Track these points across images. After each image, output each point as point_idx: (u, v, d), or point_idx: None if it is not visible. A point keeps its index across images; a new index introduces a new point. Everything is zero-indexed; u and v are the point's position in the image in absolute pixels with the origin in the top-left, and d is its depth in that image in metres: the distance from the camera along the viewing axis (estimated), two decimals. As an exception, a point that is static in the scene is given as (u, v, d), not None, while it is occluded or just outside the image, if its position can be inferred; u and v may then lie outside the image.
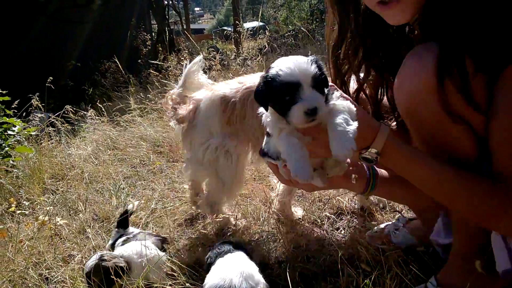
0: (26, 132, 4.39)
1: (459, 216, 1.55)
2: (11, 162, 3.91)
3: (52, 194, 3.44)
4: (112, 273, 1.83)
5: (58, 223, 2.75)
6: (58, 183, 3.74)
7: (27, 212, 2.84)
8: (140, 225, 2.69)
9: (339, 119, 1.28)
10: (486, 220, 1.38)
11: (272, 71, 1.30)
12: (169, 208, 3.01)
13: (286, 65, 1.28)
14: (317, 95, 1.27)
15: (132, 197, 3.21)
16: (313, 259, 2.14)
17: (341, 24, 1.74)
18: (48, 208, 2.78)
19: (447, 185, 1.38)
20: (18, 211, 2.73)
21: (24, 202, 2.95)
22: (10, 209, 2.71)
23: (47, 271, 2.28)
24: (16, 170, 3.83)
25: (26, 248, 2.45)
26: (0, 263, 2.30)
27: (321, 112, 1.27)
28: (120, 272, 1.86)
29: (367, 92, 1.88)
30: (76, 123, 5.09)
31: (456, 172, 1.36)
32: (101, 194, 3.34)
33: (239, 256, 1.76)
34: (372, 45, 1.72)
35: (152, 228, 2.70)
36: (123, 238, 2.23)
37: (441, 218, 1.75)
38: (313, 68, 1.27)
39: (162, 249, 2.20)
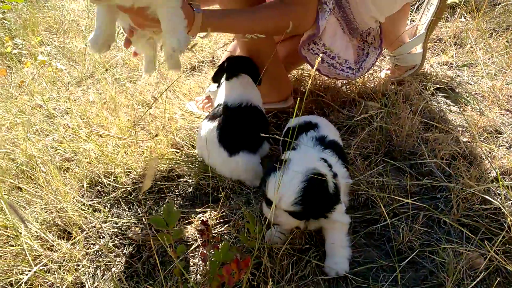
0: (12, -16, 4.03)
1: None
2: None
3: (49, 46, 3.27)
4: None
5: (58, 68, 2.64)
6: (53, 36, 3.54)
7: (24, 52, 2.70)
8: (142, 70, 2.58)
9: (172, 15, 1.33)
10: (294, 29, 1.62)
11: None
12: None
13: None
14: None
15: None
16: (330, 91, 2.08)
17: None
18: (46, 50, 2.63)
19: (260, 21, 1.63)
20: (14, 51, 2.58)
21: (20, 42, 2.78)
22: (6, 50, 2.56)
23: (52, 107, 2.23)
24: (7, 22, 3.59)
25: (28, 89, 2.35)
26: (4, 100, 2.23)
27: None
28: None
29: None
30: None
31: (260, 10, 1.65)
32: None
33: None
34: None
35: (157, 72, 2.59)
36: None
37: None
38: None
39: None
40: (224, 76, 1.79)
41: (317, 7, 1.68)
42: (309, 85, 2.09)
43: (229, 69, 1.80)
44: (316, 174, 1.14)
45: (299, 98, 1.17)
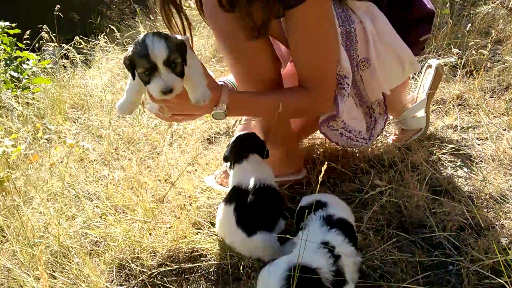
0: (41, 65, 4.37)
1: None
2: (30, 94, 3.94)
3: (75, 123, 3.49)
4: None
5: (85, 147, 2.82)
6: (78, 112, 3.79)
7: (54, 136, 2.91)
8: (164, 145, 2.75)
9: (196, 77, 1.55)
10: (312, 112, 1.96)
11: (136, 47, 1.43)
12: (191, 127, 3.04)
13: (145, 44, 1.40)
14: (171, 76, 1.42)
15: (154, 120, 3.24)
16: (340, 161, 2.19)
17: None
18: (74, 133, 2.84)
19: (283, 104, 1.68)
20: (45, 136, 2.79)
21: (50, 127, 3.00)
22: (38, 135, 2.77)
23: (81, 190, 2.38)
24: (36, 103, 3.87)
25: (58, 170, 2.53)
26: (36, 183, 2.40)
27: (177, 92, 1.46)
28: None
29: None
30: (89, 52, 5.03)
31: (284, 93, 1.84)
32: (123, 119, 3.38)
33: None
34: None
35: (177, 147, 2.74)
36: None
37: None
38: (168, 51, 1.39)
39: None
40: (234, 158, 1.91)
41: (335, 91, 1.81)
42: (323, 170, 2.19)
43: (237, 151, 1.92)
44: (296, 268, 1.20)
45: (311, 172, 1.27)
